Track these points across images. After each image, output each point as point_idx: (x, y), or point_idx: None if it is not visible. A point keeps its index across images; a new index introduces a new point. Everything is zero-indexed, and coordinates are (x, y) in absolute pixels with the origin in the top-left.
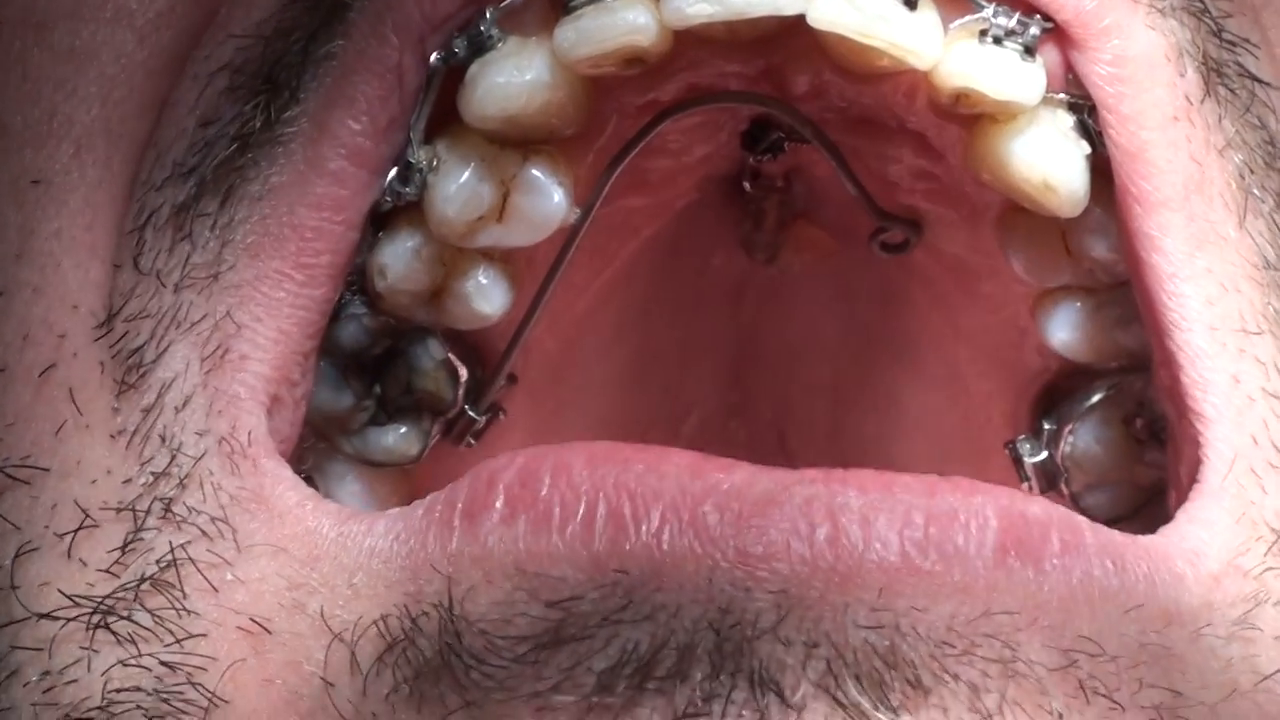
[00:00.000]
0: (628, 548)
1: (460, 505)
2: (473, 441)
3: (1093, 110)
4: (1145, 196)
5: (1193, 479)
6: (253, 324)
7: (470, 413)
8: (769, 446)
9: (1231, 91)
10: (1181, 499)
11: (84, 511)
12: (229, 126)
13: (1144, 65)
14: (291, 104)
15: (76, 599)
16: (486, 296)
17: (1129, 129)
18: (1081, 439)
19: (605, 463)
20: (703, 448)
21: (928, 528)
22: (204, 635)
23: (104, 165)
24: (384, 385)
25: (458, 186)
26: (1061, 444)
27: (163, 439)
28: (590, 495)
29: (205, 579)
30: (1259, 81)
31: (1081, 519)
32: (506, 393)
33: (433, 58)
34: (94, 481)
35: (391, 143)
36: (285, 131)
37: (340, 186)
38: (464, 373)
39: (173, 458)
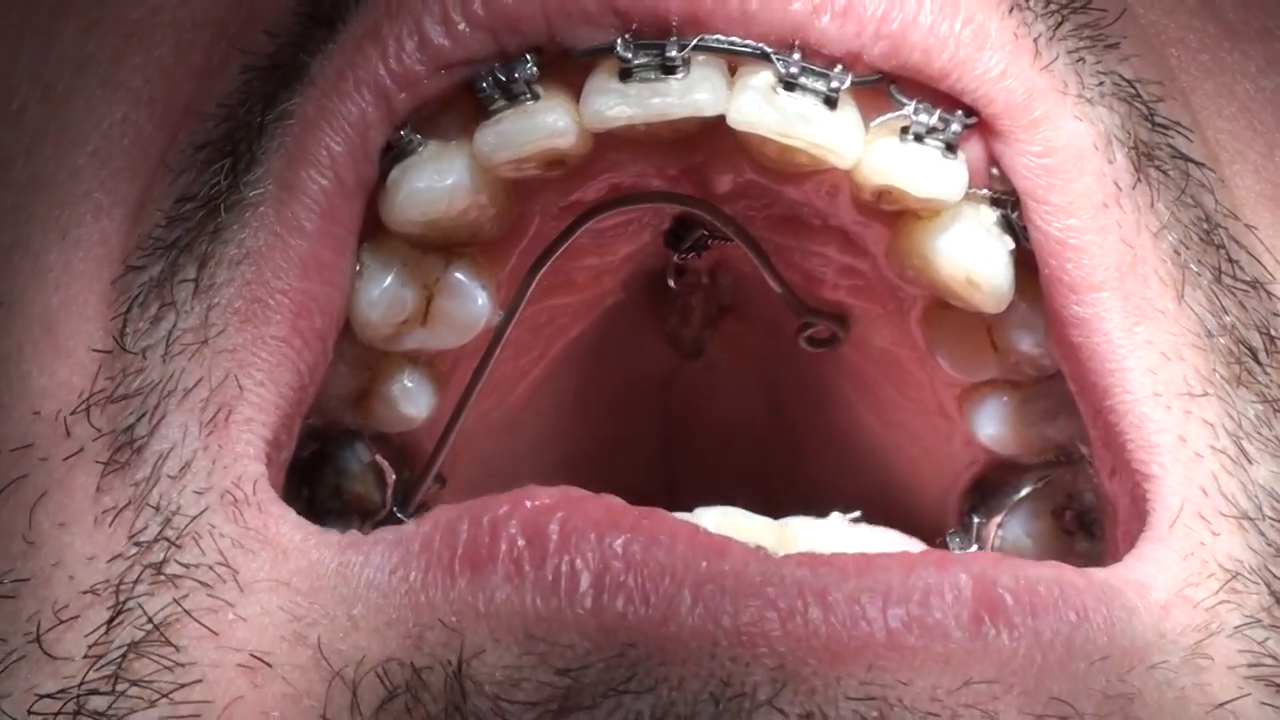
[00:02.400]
0: (635, 621)
1: (461, 551)
2: None
3: (1016, 204)
4: (1077, 282)
5: (1133, 540)
6: (257, 388)
7: (399, 515)
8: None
9: (1164, 174)
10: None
11: (64, 607)
12: (205, 197)
13: (1072, 154)
14: (253, 165)
15: (55, 695)
16: (412, 399)
17: (1059, 218)
18: (1011, 532)
19: (611, 529)
20: None
21: (909, 605)
22: (199, 681)
23: (85, 246)
24: (312, 488)
25: (381, 291)
26: (991, 537)
27: (156, 508)
28: (598, 565)
29: (203, 626)
30: (1192, 162)
31: (1039, 572)
32: (435, 493)
33: None
34: (71, 577)
35: (363, 202)
36: (251, 193)
37: (322, 247)
38: (392, 475)
39: (167, 521)
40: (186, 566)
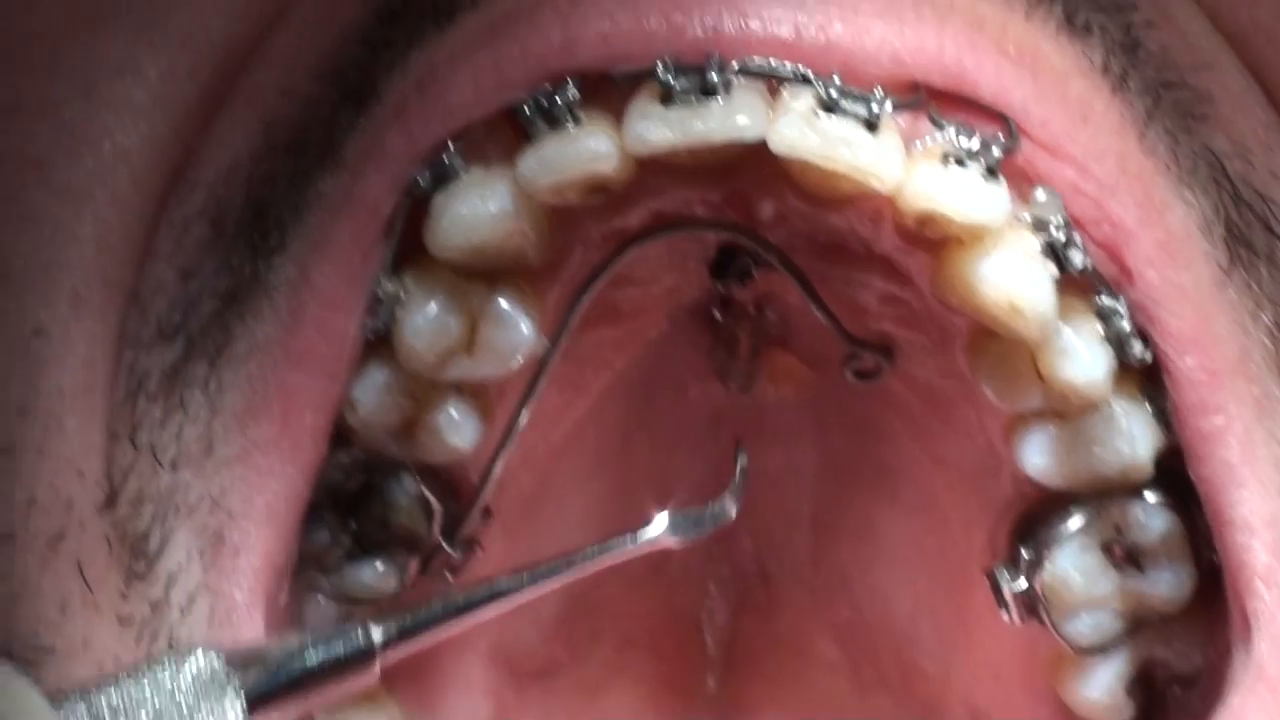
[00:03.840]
0: None
1: None
2: (450, 576)
3: (1062, 227)
4: (1208, 368)
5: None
6: (244, 505)
7: (446, 548)
8: (750, 576)
9: (1254, 252)
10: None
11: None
12: (213, 280)
13: (1185, 237)
14: (277, 251)
15: None
16: (458, 429)
17: (1185, 306)
18: (1060, 566)
19: None
20: (684, 580)
21: None
22: None
23: (99, 318)
24: (360, 521)
25: (426, 319)
26: (1040, 572)
27: (170, 641)
28: None
29: None
30: (1277, 237)
31: None
32: (482, 526)
33: None
34: (100, 665)
35: (363, 282)
36: (271, 280)
37: (322, 338)
38: (438, 508)
39: (172, 644)
40: None
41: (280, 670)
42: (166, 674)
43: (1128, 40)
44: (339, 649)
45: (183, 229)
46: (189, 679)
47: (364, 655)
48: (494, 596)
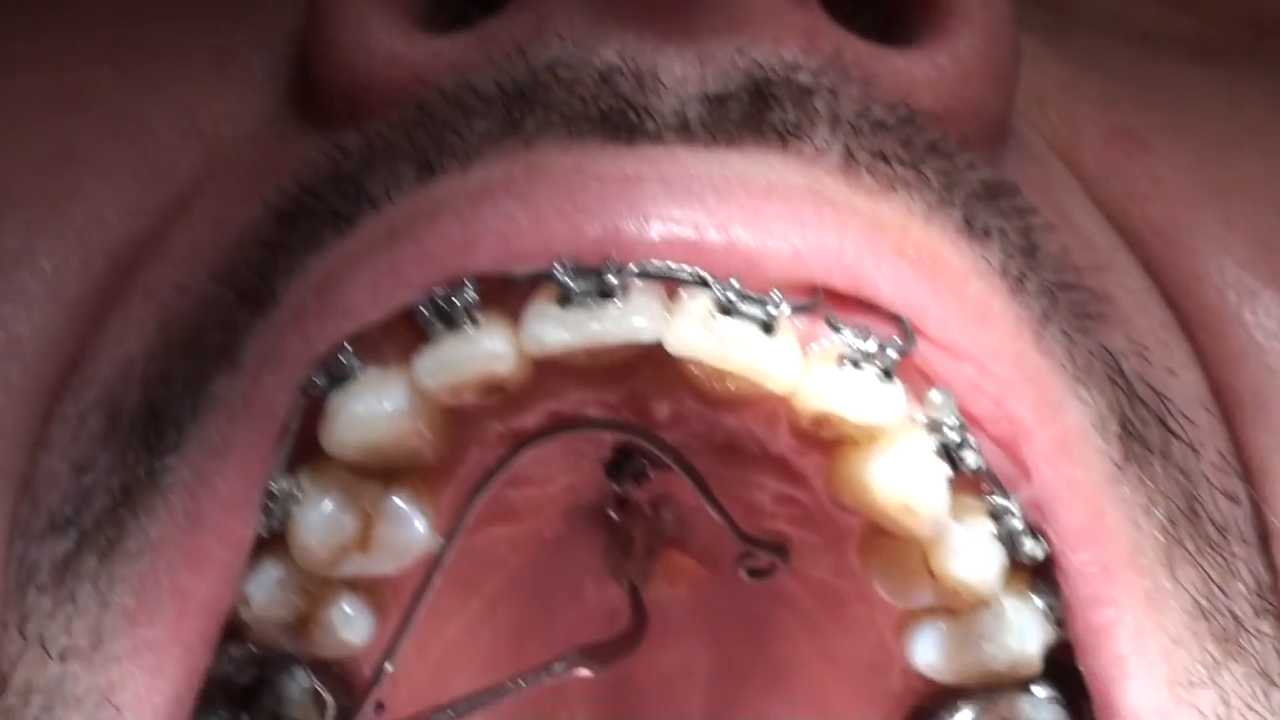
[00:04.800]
0: None
1: None
2: None
3: (956, 429)
4: (1101, 564)
5: None
6: (135, 705)
7: None
8: None
9: (1148, 449)
10: None
11: None
12: (107, 476)
13: (1080, 435)
14: (172, 451)
15: None
16: (352, 626)
17: (1079, 502)
18: None
19: None
20: None
21: None
22: None
23: None
24: (252, 714)
25: (320, 516)
26: None
27: None
28: None
29: None
30: (1174, 436)
31: None
32: None
33: None
34: None
35: (259, 485)
36: (166, 480)
37: (217, 541)
38: (331, 702)
39: None
40: None
41: None
42: None
43: (1026, 244)
44: None
45: (77, 423)
46: None
47: None
48: None
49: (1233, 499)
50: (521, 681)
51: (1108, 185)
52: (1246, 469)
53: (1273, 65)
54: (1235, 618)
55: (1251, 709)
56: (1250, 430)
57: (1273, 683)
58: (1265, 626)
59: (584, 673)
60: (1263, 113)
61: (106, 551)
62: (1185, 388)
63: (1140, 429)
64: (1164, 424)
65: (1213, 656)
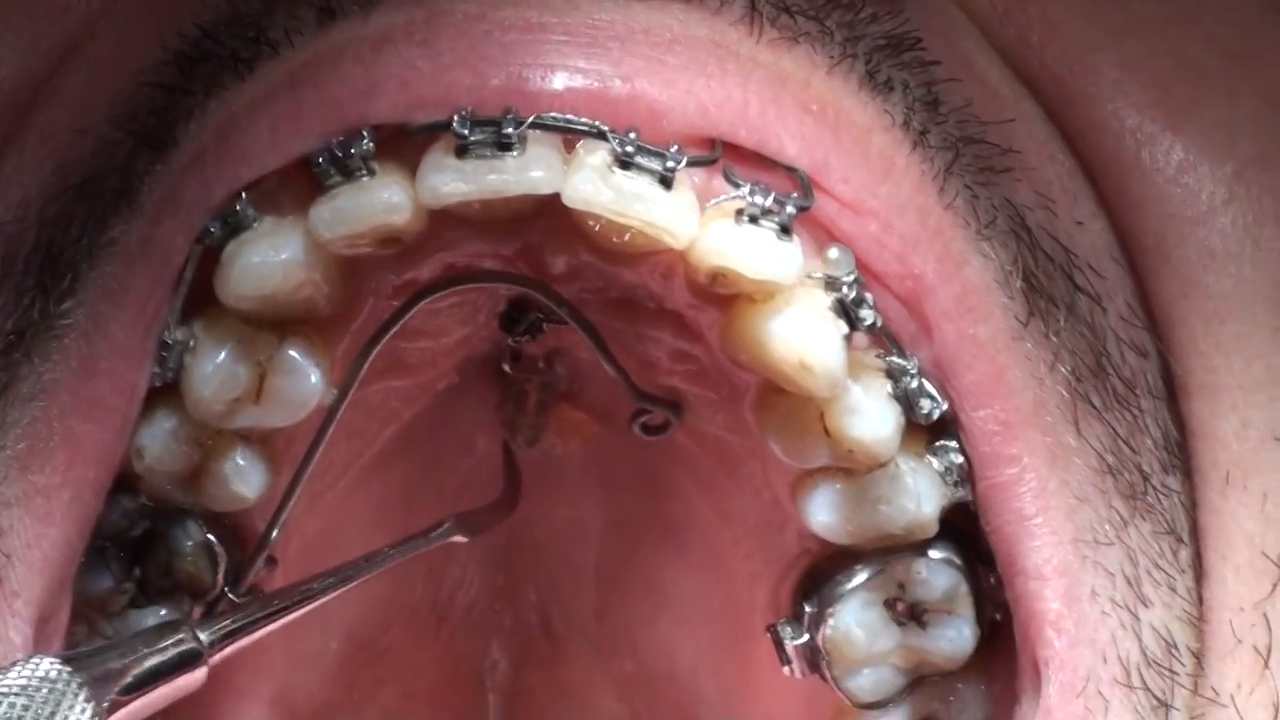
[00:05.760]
0: None
1: None
2: None
3: (853, 287)
4: (1002, 420)
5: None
6: (23, 552)
7: (230, 595)
8: (534, 629)
9: (1053, 304)
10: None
11: None
12: (1, 319)
13: (984, 291)
14: (69, 295)
15: None
16: (245, 478)
17: (980, 358)
18: (842, 622)
19: None
20: (467, 630)
21: None
22: None
23: None
24: (144, 567)
25: (214, 367)
26: (823, 627)
27: None
28: None
29: None
30: (1079, 290)
31: None
32: (267, 574)
33: None
34: None
35: (154, 333)
36: (62, 324)
37: (111, 388)
38: (223, 555)
39: None
40: None
41: (117, 675)
42: (11, 679)
43: (929, 96)
44: (171, 653)
45: None
46: (36, 683)
47: (193, 657)
48: (307, 597)
49: (1141, 352)
50: (397, 551)
51: (1005, 33)
52: (1153, 319)
53: None
54: (1143, 474)
55: (1159, 567)
56: (1154, 279)
57: (1181, 540)
58: (1173, 483)
59: (459, 539)
60: None
61: (1, 394)
62: (1093, 238)
63: (1045, 283)
64: (1069, 278)
65: (1120, 514)
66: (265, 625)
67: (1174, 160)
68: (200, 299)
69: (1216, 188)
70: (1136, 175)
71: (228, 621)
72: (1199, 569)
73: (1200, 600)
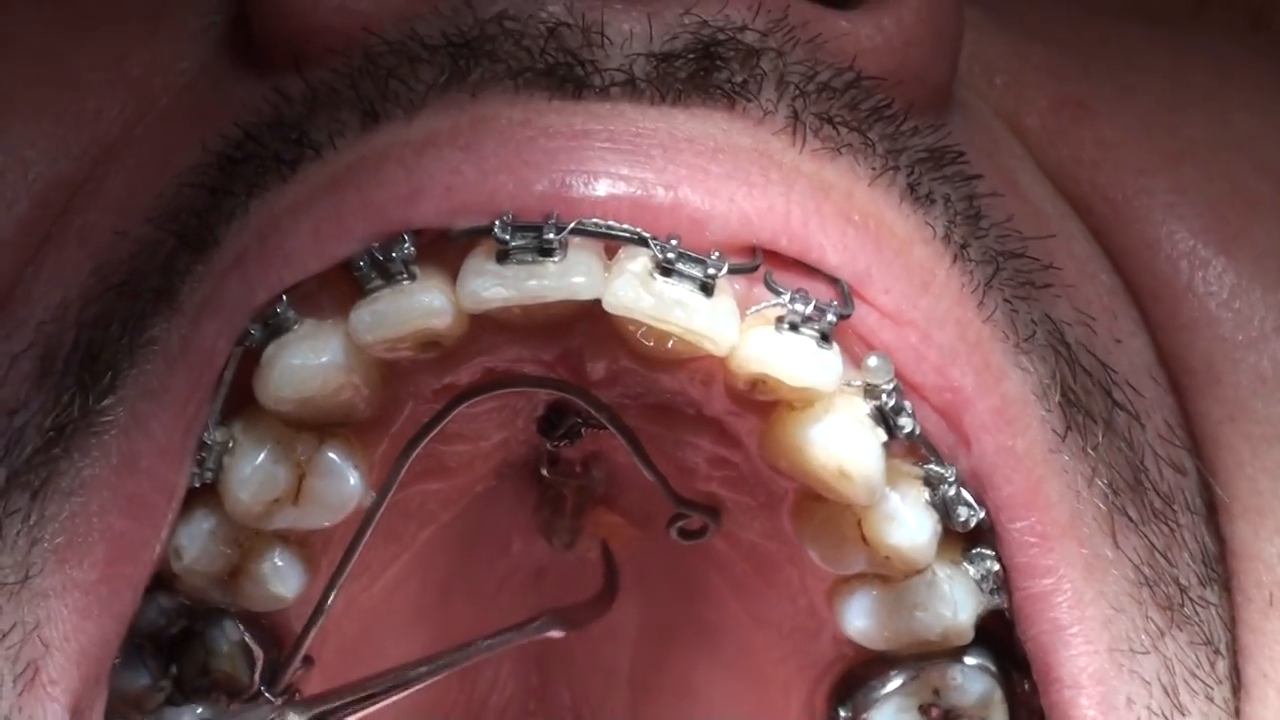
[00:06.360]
0: None
1: None
2: None
3: (892, 394)
4: (1040, 532)
5: None
6: (61, 643)
7: (266, 695)
8: None
9: (1091, 418)
10: None
11: None
12: (40, 416)
13: (1021, 404)
14: (109, 393)
15: None
16: (282, 579)
17: (1019, 471)
18: None
19: None
20: None
21: None
22: None
23: None
24: (180, 665)
25: (253, 469)
26: None
27: None
28: None
29: None
30: (1117, 406)
31: None
32: (304, 674)
33: None
34: None
35: (194, 432)
36: (102, 421)
37: (151, 487)
38: (260, 655)
39: None
40: None
41: None
42: None
43: (970, 210)
44: None
45: (9, 364)
46: None
47: None
48: (402, 684)
49: (1179, 469)
50: (493, 642)
51: (1055, 152)
52: (1196, 440)
53: (1216, 28)
54: (1180, 586)
55: (1195, 676)
56: (1201, 401)
57: (1218, 651)
58: (1210, 595)
59: (556, 634)
60: (1208, 77)
61: (38, 490)
62: (1132, 357)
63: (1083, 398)
64: (1108, 394)
65: (1156, 624)
66: (355, 711)
67: (1227, 284)
68: (239, 400)
69: (1269, 313)
70: (1189, 298)
71: (320, 706)
72: (1235, 681)
73: (1237, 714)
